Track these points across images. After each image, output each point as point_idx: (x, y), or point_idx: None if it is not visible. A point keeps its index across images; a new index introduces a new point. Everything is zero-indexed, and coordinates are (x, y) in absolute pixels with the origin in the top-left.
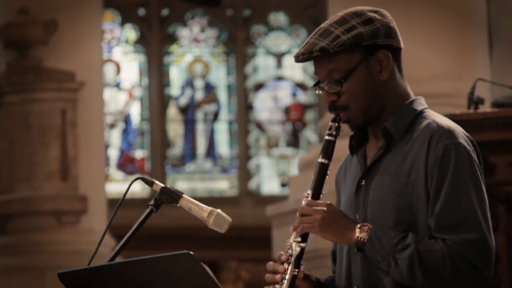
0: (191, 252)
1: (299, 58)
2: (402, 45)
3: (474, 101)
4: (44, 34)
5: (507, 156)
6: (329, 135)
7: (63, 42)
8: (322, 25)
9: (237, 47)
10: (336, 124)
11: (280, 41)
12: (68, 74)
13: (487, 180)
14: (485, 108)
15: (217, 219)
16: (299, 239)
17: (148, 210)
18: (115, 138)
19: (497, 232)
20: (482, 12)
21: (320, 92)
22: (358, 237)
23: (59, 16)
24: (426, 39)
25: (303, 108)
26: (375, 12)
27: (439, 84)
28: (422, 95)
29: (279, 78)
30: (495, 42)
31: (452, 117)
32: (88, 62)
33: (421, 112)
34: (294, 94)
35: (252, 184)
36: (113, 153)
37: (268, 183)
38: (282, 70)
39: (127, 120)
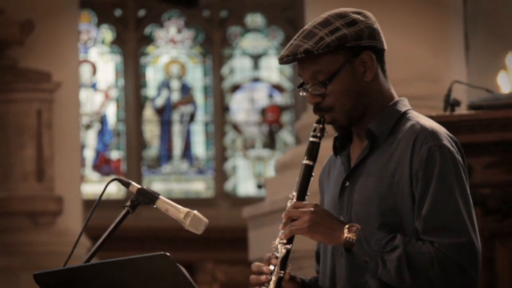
0: (167, 254)
1: (283, 60)
2: (385, 47)
3: (451, 103)
4: (20, 34)
5: (483, 158)
6: (313, 136)
7: (39, 42)
8: (306, 26)
9: (214, 48)
10: (321, 126)
11: (257, 42)
12: (44, 74)
13: None
14: (462, 110)
15: (194, 221)
16: (285, 241)
17: (124, 211)
18: (91, 139)
19: None
20: (458, 15)
21: (305, 93)
22: (346, 237)
23: (35, 17)
24: (402, 41)
25: (280, 109)
26: (359, 13)
27: (415, 86)
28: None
29: (256, 80)
30: (472, 44)
31: None
32: (64, 63)
33: (405, 113)
34: (270, 96)
35: (228, 186)
36: (89, 154)
37: (244, 184)
38: (259, 71)
39: (103, 121)
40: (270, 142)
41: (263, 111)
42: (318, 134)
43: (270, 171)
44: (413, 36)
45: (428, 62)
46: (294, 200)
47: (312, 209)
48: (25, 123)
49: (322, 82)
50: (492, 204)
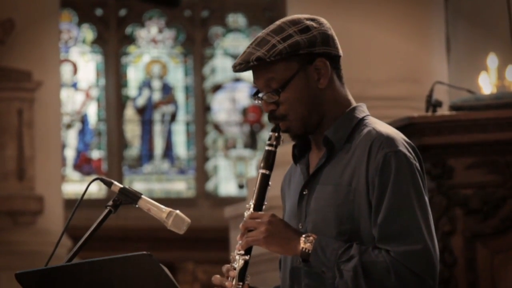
0: (150, 253)
1: (236, 68)
2: (341, 53)
3: (432, 104)
4: (1, 33)
5: (465, 159)
6: (269, 145)
7: (20, 41)
8: (260, 34)
9: (195, 48)
10: (276, 134)
11: (238, 42)
12: (25, 73)
13: (445, 183)
14: (443, 111)
15: (176, 220)
16: (242, 252)
17: (106, 210)
18: (71, 138)
19: (455, 235)
20: (440, 17)
21: (259, 102)
22: (302, 248)
23: (16, 16)
24: (384, 42)
25: (261, 110)
26: (312, 20)
27: (397, 87)
28: (381, 98)
29: (237, 80)
30: (453, 46)
31: (410, 120)
32: (45, 62)
33: (362, 119)
34: (252, 96)
35: (210, 186)
36: (70, 154)
37: (226, 184)
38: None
39: (84, 120)
40: (252, 142)
41: (245, 111)
42: (274, 143)
43: (251, 171)
44: (394, 37)
45: (410, 63)
46: (251, 210)
47: (268, 219)
48: (6, 123)
49: (275, 89)
50: (473, 205)
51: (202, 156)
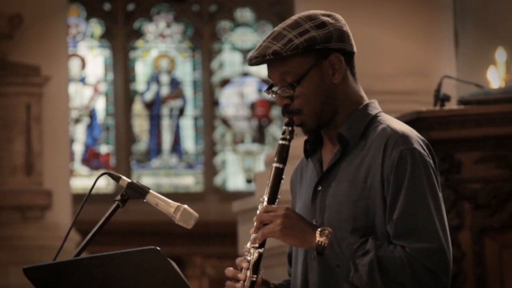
0: (158, 248)
1: (252, 62)
2: (355, 49)
3: (440, 98)
4: (9, 28)
5: (473, 153)
6: (283, 139)
7: (28, 36)
8: (276, 28)
9: (203, 42)
10: (290, 128)
11: (246, 37)
12: (33, 68)
13: (453, 177)
14: (451, 105)
15: (184, 215)
16: (256, 244)
17: (114, 205)
18: (80, 133)
19: (463, 229)
20: (448, 10)
21: (273, 95)
22: (318, 241)
23: (24, 10)
24: (392, 37)
25: (269, 104)
26: (328, 16)
27: (405, 81)
28: (389, 92)
29: (245, 74)
30: (461, 40)
31: (418, 114)
32: (53, 57)
33: (375, 116)
34: (260, 90)
35: (218, 180)
36: (78, 148)
37: (234, 179)
38: (248, 66)
39: (92, 115)
40: (260, 137)
41: (253, 106)
42: (288, 137)
43: (259, 166)
44: (403, 31)
45: (418, 57)
46: (265, 203)
47: (283, 212)
48: (14, 117)
49: (291, 84)
50: (482, 199)
51: (210, 150)
